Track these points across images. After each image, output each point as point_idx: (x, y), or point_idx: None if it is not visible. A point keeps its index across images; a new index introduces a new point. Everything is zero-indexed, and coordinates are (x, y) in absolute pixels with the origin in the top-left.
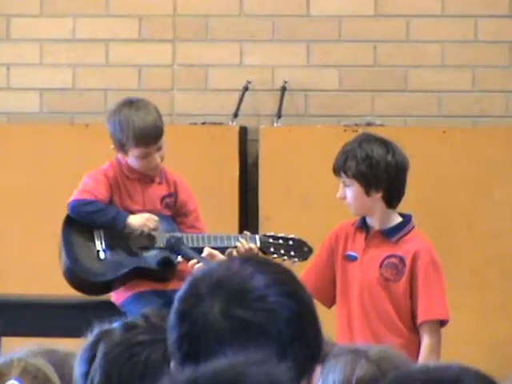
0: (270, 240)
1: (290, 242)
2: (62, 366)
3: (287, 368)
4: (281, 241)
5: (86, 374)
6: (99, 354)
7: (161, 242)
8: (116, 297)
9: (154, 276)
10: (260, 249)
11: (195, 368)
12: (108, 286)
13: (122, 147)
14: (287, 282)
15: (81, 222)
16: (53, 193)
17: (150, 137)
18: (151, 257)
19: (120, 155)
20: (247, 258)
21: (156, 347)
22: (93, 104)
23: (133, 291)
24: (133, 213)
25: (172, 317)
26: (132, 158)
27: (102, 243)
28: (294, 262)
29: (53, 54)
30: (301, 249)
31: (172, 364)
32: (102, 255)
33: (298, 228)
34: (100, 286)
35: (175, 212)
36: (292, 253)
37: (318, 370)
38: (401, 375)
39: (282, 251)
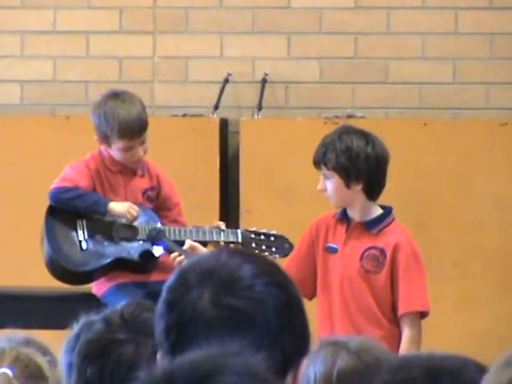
0: (252, 235)
1: (272, 238)
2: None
3: (263, 359)
4: (262, 236)
5: (71, 366)
6: (75, 351)
7: (143, 233)
8: (97, 288)
9: (135, 267)
10: (242, 244)
11: (171, 360)
12: (89, 276)
13: (105, 139)
14: (274, 273)
15: (63, 212)
16: (34, 184)
17: (134, 130)
18: (133, 248)
19: (103, 147)
20: (235, 250)
21: (129, 346)
22: (74, 96)
23: (114, 282)
24: None
25: (160, 306)
26: (115, 151)
27: (84, 233)
28: (275, 258)
29: (33, 46)
30: (282, 245)
31: (159, 355)
32: (84, 245)
33: (278, 220)
34: (81, 275)
35: (157, 205)
36: (273, 249)
37: (305, 363)
38: (401, 361)
39: (264, 247)
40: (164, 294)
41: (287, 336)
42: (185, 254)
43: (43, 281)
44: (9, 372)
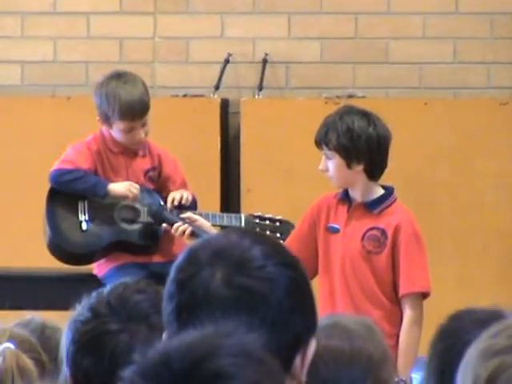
0: (256, 220)
1: (277, 224)
2: (43, 336)
3: (258, 337)
4: (267, 221)
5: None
6: (67, 340)
7: (144, 215)
8: (98, 269)
9: (136, 249)
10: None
11: (166, 342)
12: (90, 257)
13: (107, 119)
14: (283, 254)
15: (65, 194)
16: (35, 165)
17: (135, 111)
18: (134, 230)
19: (104, 128)
20: (244, 231)
21: (122, 336)
22: (74, 76)
23: (115, 263)
24: None
25: (169, 286)
26: (116, 131)
27: (85, 214)
28: None
29: (34, 27)
30: (287, 230)
31: (165, 335)
32: (84, 226)
33: (279, 200)
34: (81, 257)
35: (159, 186)
36: (278, 234)
37: (313, 343)
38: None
39: (268, 232)
40: (173, 274)
41: (298, 316)
42: (186, 224)
43: (45, 262)
44: (11, 346)
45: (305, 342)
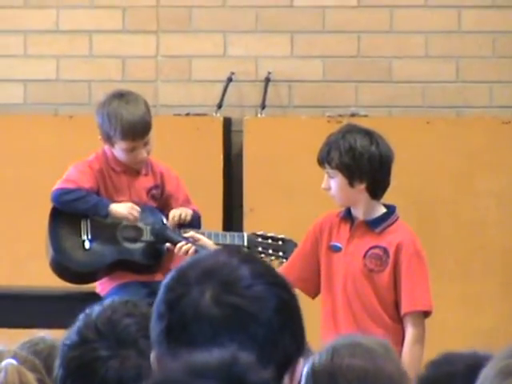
0: (259, 239)
1: (280, 242)
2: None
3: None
4: (270, 240)
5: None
6: (57, 363)
7: (147, 234)
8: (100, 288)
9: (138, 268)
10: (247, 247)
11: (172, 361)
12: (92, 276)
13: (109, 139)
14: (271, 273)
15: (67, 212)
16: (37, 184)
17: (137, 131)
18: (137, 249)
19: (107, 147)
20: (232, 250)
21: (112, 362)
22: (77, 95)
23: (117, 282)
24: None
25: (159, 306)
26: (118, 151)
27: (87, 233)
28: (282, 262)
29: (37, 46)
30: (290, 249)
31: (153, 355)
32: (87, 245)
33: (282, 219)
34: (84, 275)
35: (162, 203)
36: (281, 253)
37: (302, 362)
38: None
39: (271, 251)
40: (162, 294)
41: (288, 335)
42: (189, 243)
43: (47, 280)
44: (14, 362)
45: (294, 361)
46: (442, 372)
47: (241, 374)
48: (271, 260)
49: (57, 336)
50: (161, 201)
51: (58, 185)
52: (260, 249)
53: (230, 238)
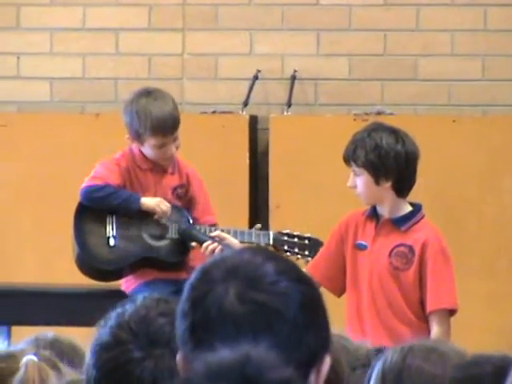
0: (285, 238)
1: (306, 241)
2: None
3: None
4: (296, 239)
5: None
6: (89, 363)
7: (173, 232)
8: (126, 285)
9: (163, 266)
10: (273, 246)
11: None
12: (117, 273)
13: (138, 137)
14: (296, 271)
15: (93, 209)
16: (63, 182)
17: (167, 126)
18: (162, 247)
19: (134, 145)
20: (256, 248)
21: (147, 363)
22: (103, 93)
23: (142, 279)
24: None
25: (183, 305)
26: (148, 148)
27: (112, 230)
28: (308, 261)
29: (63, 43)
30: (316, 248)
31: (179, 356)
32: (111, 242)
33: (308, 217)
34: (108, 273)
35: (185, 203)
36: (306, 252)
37: (328, 360)
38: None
39: (296, 249)
40: (187, 292)
41: (312, 332)
42: (216, 243)
43: (73, 277)
44: (35, 358)
45: (319, 359)
46: (470, 374)
47: (255, 373)
48: (297, 259)
49: (83, 334)
50: (184, 200)
51: (87, 182)
52: (286, 247)
53: (256, 237)
